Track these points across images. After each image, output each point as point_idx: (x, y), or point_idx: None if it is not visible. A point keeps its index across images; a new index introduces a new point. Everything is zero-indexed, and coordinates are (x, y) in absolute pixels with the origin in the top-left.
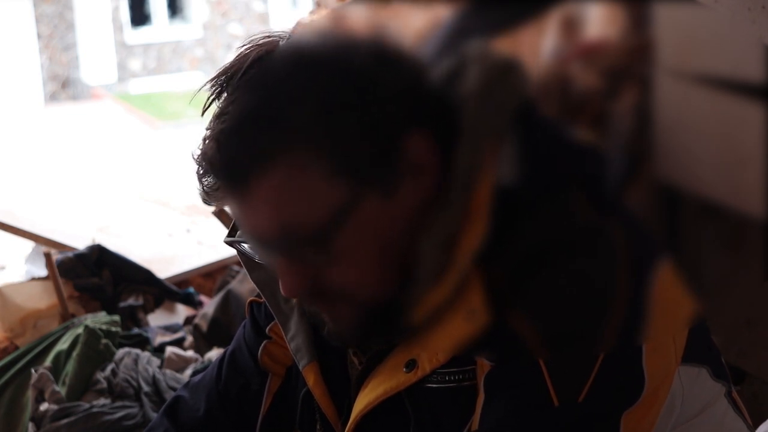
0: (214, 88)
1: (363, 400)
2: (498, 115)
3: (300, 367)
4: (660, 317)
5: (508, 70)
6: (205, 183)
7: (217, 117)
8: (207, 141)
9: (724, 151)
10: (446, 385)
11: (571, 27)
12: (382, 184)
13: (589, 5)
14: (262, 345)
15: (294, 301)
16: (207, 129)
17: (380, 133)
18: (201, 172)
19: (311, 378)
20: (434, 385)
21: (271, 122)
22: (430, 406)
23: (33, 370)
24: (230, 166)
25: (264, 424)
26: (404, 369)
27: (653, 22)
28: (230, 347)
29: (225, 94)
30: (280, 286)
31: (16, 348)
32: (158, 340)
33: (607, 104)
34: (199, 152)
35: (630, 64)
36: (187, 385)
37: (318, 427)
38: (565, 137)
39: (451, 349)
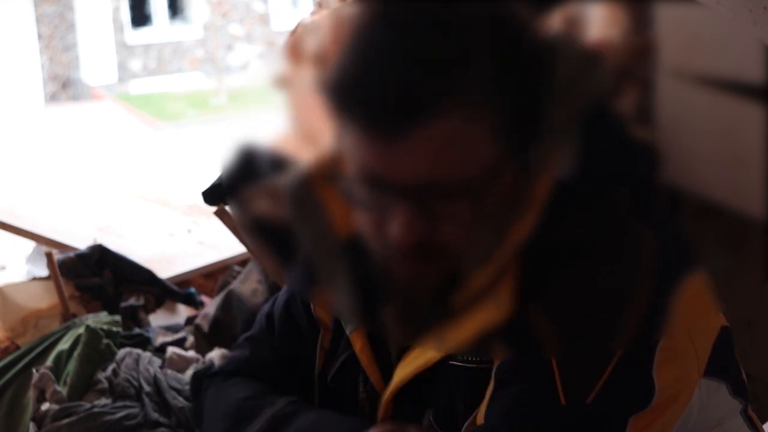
0: None
1: (401, 372)
2: (577, 106)
3: (347, 332)
4: (680, 324)
5: (594, 62)
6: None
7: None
8: (346, 56)
9: (725, 152)
10: (467, 364)
11: (572, 28)
12: (523, 159)
13: (591, 6)
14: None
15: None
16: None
17: (535, 110)
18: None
19: (358, 343)
20: (457, 363)
21: (457, 66)
22: (448, 385)
23: (34, 370)
24: (401, 98)
25: (322, 378)
26: None
27: (655, 23)
28: (280, 297)
29: None
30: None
31: (17, 348)
32: (159, 340)
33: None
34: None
35: (631, 64)
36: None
37: (360, 389)
38: (622, 136)
39: (473, 335)
